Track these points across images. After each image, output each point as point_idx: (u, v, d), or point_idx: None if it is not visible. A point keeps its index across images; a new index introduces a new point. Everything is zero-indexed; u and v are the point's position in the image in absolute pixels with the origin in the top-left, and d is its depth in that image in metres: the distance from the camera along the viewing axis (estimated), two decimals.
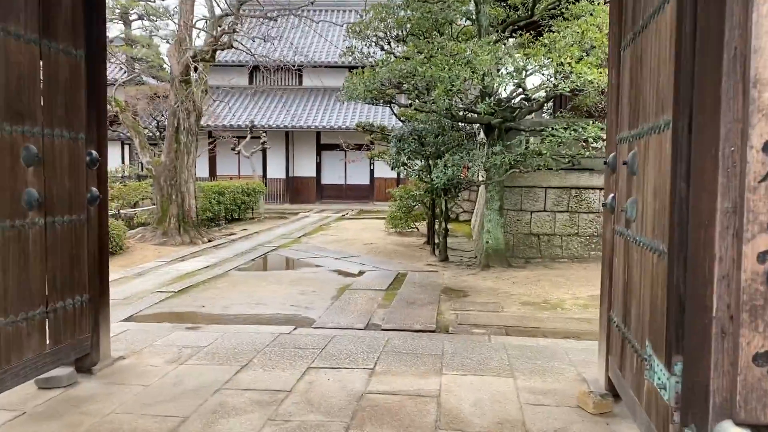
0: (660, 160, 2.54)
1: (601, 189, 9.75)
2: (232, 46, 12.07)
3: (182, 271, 8.85)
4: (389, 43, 9.22)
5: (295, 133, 24.42)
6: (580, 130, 7.59)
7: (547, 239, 9.83)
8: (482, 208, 12.68)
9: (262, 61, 14.32)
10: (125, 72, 23.53)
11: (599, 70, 7.47)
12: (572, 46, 7.66)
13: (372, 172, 24.56)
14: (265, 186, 23.70)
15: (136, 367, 4.21)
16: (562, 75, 7.29)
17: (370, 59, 9.21)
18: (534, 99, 7.69)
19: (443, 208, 10.22)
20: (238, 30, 12.17)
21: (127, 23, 22.72)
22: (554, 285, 7.75)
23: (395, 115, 11.12)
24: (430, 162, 10.19)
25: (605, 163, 3.70)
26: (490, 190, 9.09)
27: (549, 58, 7.52)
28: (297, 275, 8.76)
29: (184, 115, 12.41)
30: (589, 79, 7.20)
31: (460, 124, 9.96)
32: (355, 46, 9.13)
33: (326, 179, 25.32)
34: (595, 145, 7.55)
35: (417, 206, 12.73)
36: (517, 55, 7.91)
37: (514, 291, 7.48)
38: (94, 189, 4.00)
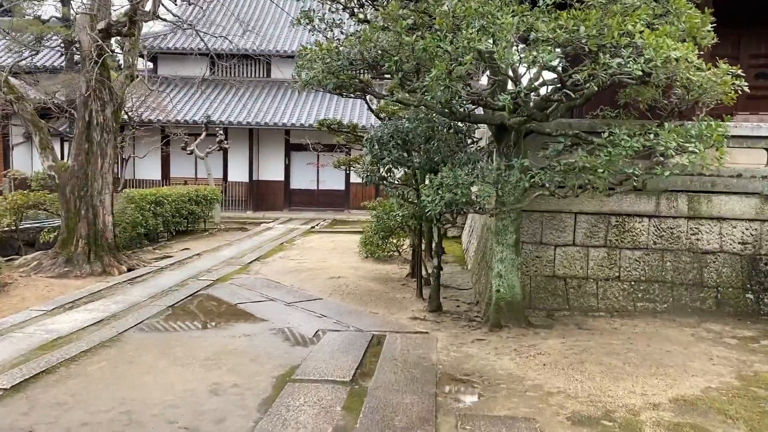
0: None
1: (650, 216, 7.15)
2: (158, 16, 9.23)
3: (54, 334, 6.02)
4: (362, 6, 6.50)
5: (260, 130, 21.49)
6: (653, 137, 4.94)
7: (576, 285, 7.19)
8: (480, 230, 10.03)
9: (206, 36, 11.45)
10: (61, 56, 20.49)
11: (683, 44, 4.85)
12: (639, 8, 5.02)
13: (348, 176, 21.74)
14: (225, 191, 20.79)
15: None
16: (631, 51, 4.64)
17: (336, 30, 6.46)
18: (582, 87, 5.04)
19: (435, 239, 7.54)
20: None
21: (66, 3, 19.53)
22: (607, 372, 5.10)
23: (371, 110, 8.40)
24: (418, 176, 7.50)
25: None
26: (502, 218, 6.43)
27: (605, 25, 4.87)
28: (220, 343, 5.96)
29: (97, 107, 9.53)
30: (675, 56, 4.56)
31: (459, 124, 7.27)
32: (314, 11, 6.38)
33: (296, 184, 22.42)
34: (678, 160, 4.92)
35: (400, 226, 10.01)
36: (552, 21, 5.22)
37: (550, 384, 4.82)
38: None
